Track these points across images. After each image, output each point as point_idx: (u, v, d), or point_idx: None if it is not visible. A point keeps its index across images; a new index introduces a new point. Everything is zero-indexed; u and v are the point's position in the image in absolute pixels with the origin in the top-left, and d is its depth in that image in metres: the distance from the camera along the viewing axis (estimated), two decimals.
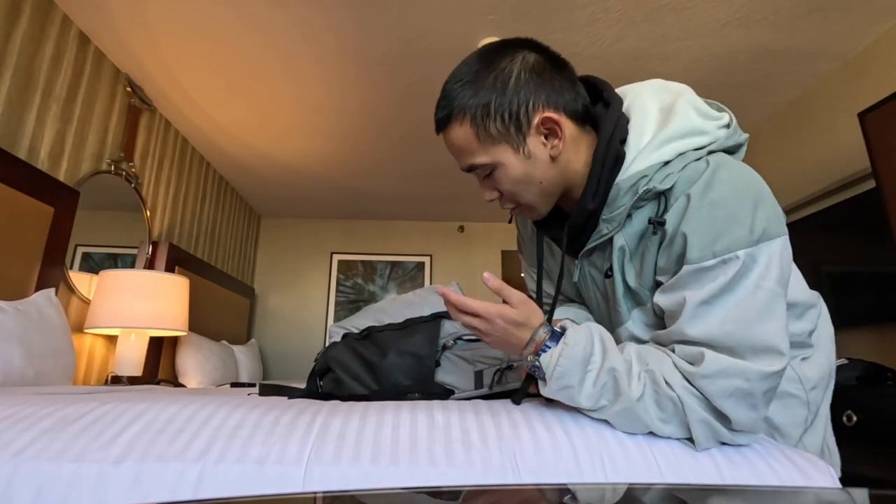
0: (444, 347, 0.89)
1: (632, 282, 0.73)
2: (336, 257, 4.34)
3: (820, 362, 0.77)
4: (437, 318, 0.96)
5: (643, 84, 0.77)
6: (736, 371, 0.59)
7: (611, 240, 0.73)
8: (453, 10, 1.90)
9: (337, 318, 4.20)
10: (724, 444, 0.62)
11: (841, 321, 2.08)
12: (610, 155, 0.70)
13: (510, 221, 0.95)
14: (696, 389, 0.60)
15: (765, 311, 0.60)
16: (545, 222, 0.81)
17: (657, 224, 0.67)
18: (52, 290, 1.63)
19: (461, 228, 4.44)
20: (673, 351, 0.64)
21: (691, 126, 0.69)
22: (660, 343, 0.68)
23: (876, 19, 1.93)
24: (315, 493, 0.50)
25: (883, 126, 1.62)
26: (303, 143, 3.04)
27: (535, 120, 0.70)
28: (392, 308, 1.03)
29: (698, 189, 0.64)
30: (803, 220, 2.27)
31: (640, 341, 0.74)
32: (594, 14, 1.91)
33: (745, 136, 0.75)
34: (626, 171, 0.69)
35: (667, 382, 0.61)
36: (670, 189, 0.67)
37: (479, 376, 0.86)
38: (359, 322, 1.03)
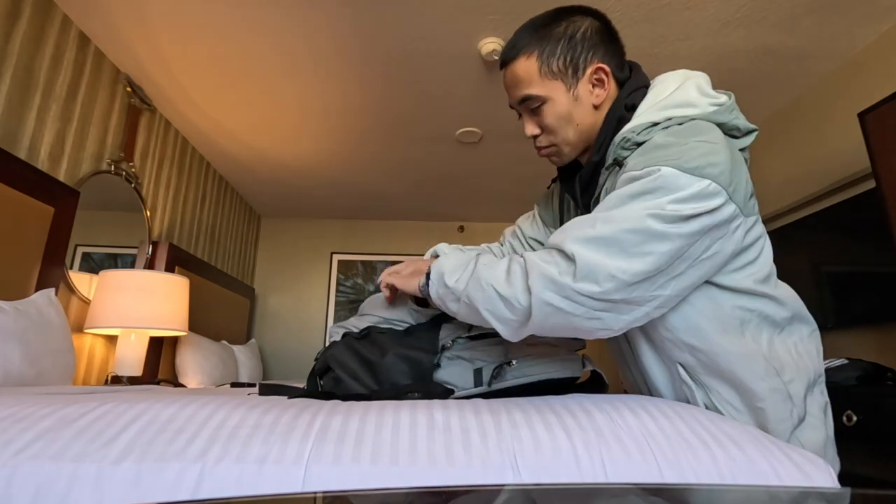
0: (444, 348, 0.89)
1: None
2: (336, 257, 4.34)
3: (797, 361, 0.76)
4: (437, 318, 0.96)
5: (673, 72, 0.88)
6: (567, 276, 0.67)
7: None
8: (453, 10, 1.90)
9: (337, 318, 4.20)
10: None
11: (841, 321, 2.08)
12: (615, 115, 0.82)
13: (553, 183, 1.08)
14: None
15: (634, 247, 0.66)
16: (568, 178, 0.94)
17: (618, 165, 0.79)
18: (52, 291, 1.63)
19: (461, 228, 4.44)
20: None
21: (686, 98, 0.79)
22: None
23: (876, 19, 1.93)
24: (315, 493, 0.50)
25: (883, 126, 1.62)
26: (303, 143, 3.04)
27: (590, 69, 0.82)
28: None
29: (661, 134, 0.74)
30: (803, 219, 2.27)
31: None
32: None
33: (748, 124, 0.80)
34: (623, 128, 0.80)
35: (522, 257, 0.72)
36: (647, 142, 0.76)
37: (478, 374, 0.86)
38: (359, 322, 1.02)
